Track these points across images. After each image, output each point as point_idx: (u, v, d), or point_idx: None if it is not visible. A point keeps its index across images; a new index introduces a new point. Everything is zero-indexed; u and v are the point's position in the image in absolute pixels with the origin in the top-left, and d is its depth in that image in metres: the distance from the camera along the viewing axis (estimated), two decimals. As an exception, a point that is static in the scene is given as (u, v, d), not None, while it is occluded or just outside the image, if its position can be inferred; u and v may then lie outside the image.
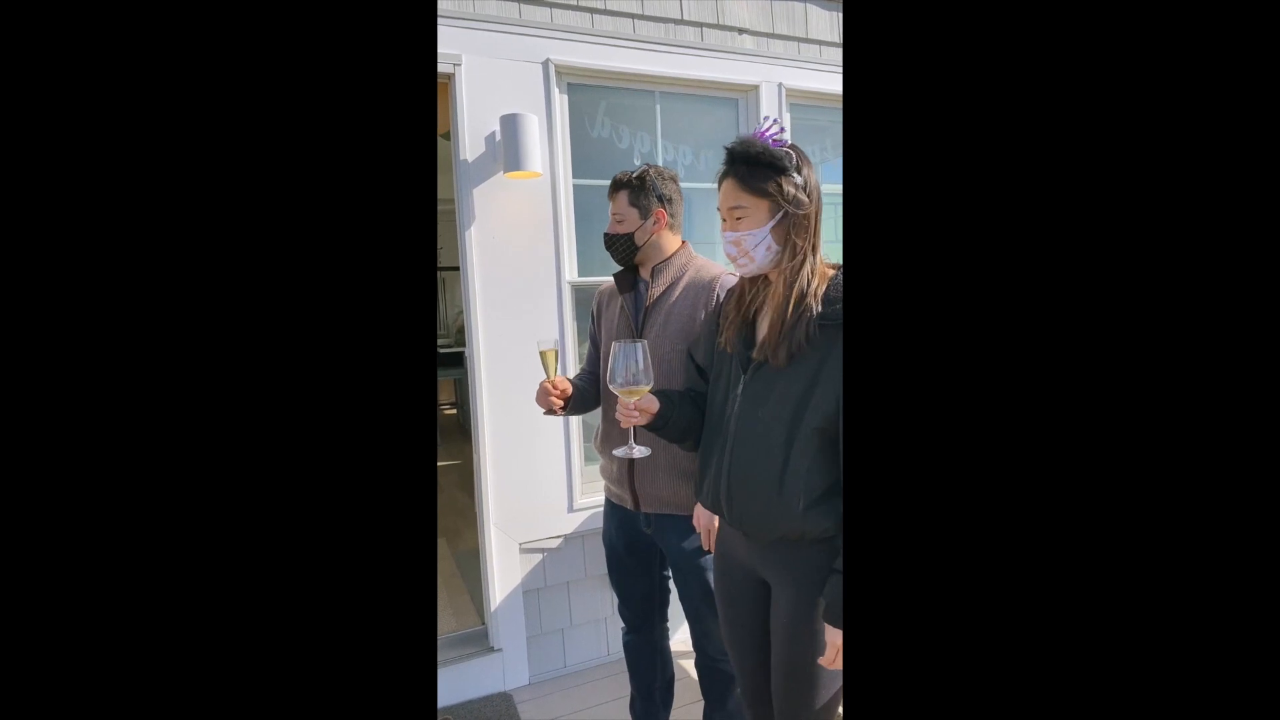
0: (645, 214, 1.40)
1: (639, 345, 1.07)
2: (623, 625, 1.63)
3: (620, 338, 1.43)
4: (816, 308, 1.00)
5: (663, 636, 1.62)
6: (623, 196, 1.40)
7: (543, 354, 1.32)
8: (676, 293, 1.40)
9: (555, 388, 1.34)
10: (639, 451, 1.15)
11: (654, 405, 1.13)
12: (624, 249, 1.42)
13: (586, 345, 1.64)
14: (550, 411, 1.37)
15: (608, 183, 1.46)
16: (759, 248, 1.02)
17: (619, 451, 1.17)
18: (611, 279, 1.52)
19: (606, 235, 1.45)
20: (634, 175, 1.41)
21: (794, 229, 1.01)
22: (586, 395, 1.49)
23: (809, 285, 1.01)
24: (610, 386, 1.10)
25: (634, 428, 1.15)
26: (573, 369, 2.05)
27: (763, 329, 1.06)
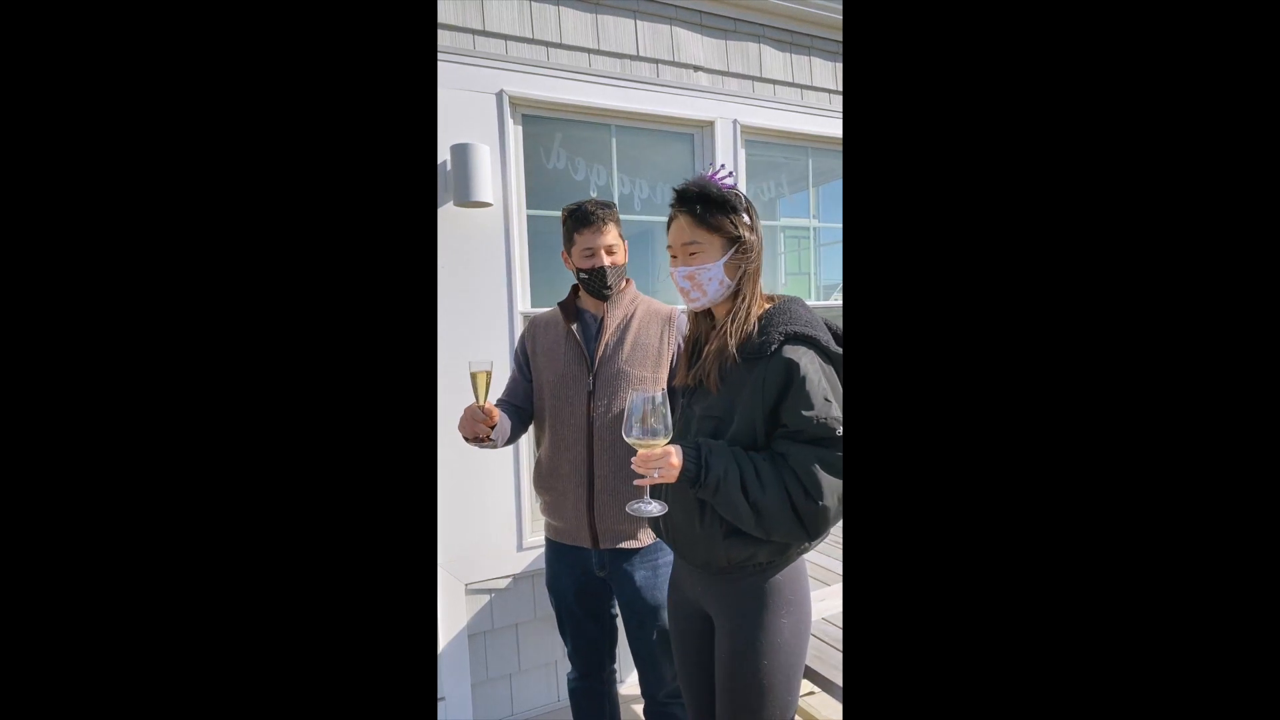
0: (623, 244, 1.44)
1: (658, 393, 0.97)
2: (570, 670, 1.57)
3: (569, 364, 1.41)
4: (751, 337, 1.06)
5: (611, 681, 1.57)
6: (613, 229, 1.39)
7: (473, 375, 1.21)
8: (636, 319, 1.42)
9: (486, 413, 1.26)
10: (657, 508, 1.02)
11: (676, 458, 0.98)
12: (618, 280, 1.42)
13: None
14: (474, 439, 1.28)
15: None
16: (712, 281, 1.06)
17: (632, 508, 1.02)
18: (555, 308, 1.49)
19: (604, 270, 1.37)
20: (609, 207, 1.39)
21: (744, 264, 1.07)
22: (507, 426, 1.43)
23: (750, 317, 1.07)
24: (626, 438, 0.99)
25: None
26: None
27: (708, 359, 1.10)
